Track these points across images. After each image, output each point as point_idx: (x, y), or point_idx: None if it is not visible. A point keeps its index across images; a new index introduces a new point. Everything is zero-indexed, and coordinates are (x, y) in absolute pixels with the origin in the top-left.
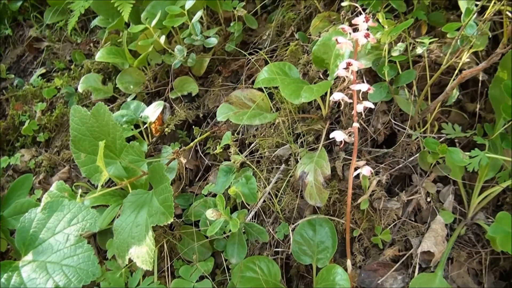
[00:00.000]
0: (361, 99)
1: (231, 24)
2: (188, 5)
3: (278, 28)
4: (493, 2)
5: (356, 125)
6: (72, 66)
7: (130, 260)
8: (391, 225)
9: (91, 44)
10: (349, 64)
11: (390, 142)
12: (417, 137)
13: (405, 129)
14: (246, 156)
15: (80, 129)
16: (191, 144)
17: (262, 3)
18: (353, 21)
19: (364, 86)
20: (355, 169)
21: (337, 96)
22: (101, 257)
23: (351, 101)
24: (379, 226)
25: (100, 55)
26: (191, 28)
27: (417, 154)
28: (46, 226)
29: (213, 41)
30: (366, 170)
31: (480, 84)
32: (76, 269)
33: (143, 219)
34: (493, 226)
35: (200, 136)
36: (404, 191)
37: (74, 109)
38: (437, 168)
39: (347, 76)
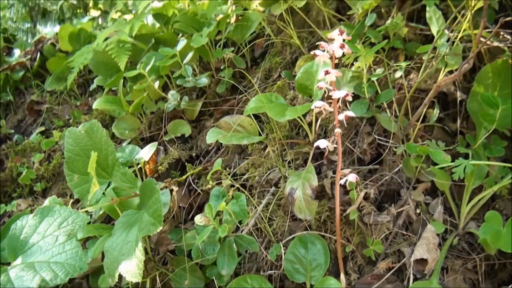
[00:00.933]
0: (341, 109)
1: (222, 68)
2: (180, 46)
3: (266, 73)
4: (463, 28)
5: (338, 130)
6: (71, 121)
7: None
8: (383, 238)
9: (90, 105)
10: (326, 72)
11: (376, 162)
12: (402, 152)
13: (389, 148)
14: (238, 183)
15: (74, 149)
16: (184, 177)
17: (251, 55)
18: (329, 35)
19: (342, 92)
20: (341, 178)
21: (319, 104)
22: None
23: (332, 109)
24: (371, 239)
25: (97, 104)
26: (183, 70)
27: (401, 165)
28: (37, 231)
29: (204, 81)
30: (352, 177)
31: (459, 104)
32: (63, 264)
33: (133, 235)
34: (483, 226)
35: (192, 171)
36: (393, 205)
37: (69, 131)
38: (423, 174)
39: (327, 88)
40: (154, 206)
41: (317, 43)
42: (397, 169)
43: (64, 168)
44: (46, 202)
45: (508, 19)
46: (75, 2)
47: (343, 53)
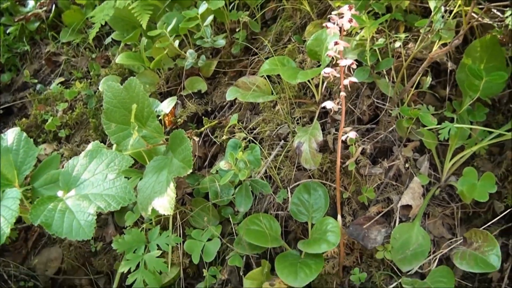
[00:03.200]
0: (346, 75)
1: (237, 30)
2: (202, 9)
3: (277, 36)
4: (458, 4)
5: (343, 94)
6: (91, 73)
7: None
8: (375, 187)
9: (106, 58)
10: (336, 43)
11: (374, 122)
12: (396, 114)
13: (386, 110)
14: (250, 136)
15: (112, 102)
16: (201, 129)
17: (262, 18)
18: (339, 10)
19: (348, 61)
20: (343, 134)
21: (328, 70)
22: (118, 233)
23: (338, 75)
24: (365, 187)
25: (120, 58)
26: (203, 31)
27: (395, 125)
28: (87, 169)
29: (222, 42)
30: (352, 134)
31: (449, 73)
32: (115, 196)
33: (164, 176)
34: (461, 180)
35: (209, 124)
36: (386, 160)
37: (108, 85)
38: (413, 134)
39: (335, 56)
40: (184, 153)
41: (328, 16)
42: (391, 129)
43: (102, 117)
44: (90, 146)
45: None
46: None
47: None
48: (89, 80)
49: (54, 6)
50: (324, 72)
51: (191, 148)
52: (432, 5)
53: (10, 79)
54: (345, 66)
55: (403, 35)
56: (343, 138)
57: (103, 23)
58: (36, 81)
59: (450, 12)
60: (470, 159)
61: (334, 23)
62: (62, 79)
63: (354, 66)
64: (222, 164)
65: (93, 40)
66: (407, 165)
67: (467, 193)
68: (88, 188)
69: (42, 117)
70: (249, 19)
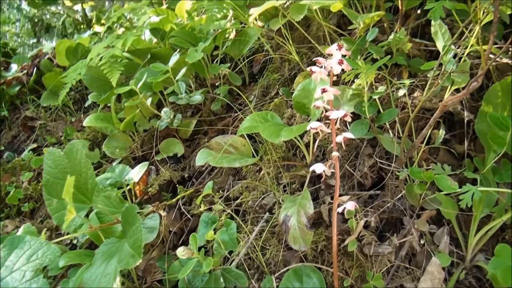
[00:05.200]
0: (340, 130)
1: (217, 84)
2: (172, 61)
3: (263, 89)
4: (470, 44)
5: (335, 154)
6: (63, 138)
7: None
8: (384, 271)
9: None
10: (323, 90)
11: (378, 186)
12: (405, 177)
13: (391, 171)
14: (230, 209)
15: (53, 172)
16: (173, 200)
17: (250, 72)
18: (326, 51)
19: (340, 112)
20: (339, 205)
21: (315, 125)
22: None
23: (329, 130)
24: (371, 272)
25: (88, 121)
26: (176, 86)
27: (399, 195)
28: (5, 265)
29: (197, 98)
30: (350, 205)
31: (466, 124)
32: None
33: (112, 267)
34: (492, 261)
35: (183, 193)
36: (395, 235)
37: (48, 151)
38: (427, 202)
39: (324, 108)
40: (134, 236)
41: (314, 59)
42: (400, 195)
43: (43, 191)
44: (21, 230)
45: None
46: (79, 18)
47: (342, 69)
48: (61, 146)
49: (35, 69)
50: (311, 127)
51: (141, 230)
52: (440, 45)
53: None
54: (337, 119)
55: (407, 81)
56: (340, 209)
57: (74, 83)
58: (2, 148)
59: (461, 54)
60: (500, 231)
61: (321, 67)
62: (35, 145)
63: (349, 119)
64: (180, 251)
65: (74, 104)
66: (422, 241)
67: (501, 279)
68: None
69: (6, 188)
70: (229, 71)
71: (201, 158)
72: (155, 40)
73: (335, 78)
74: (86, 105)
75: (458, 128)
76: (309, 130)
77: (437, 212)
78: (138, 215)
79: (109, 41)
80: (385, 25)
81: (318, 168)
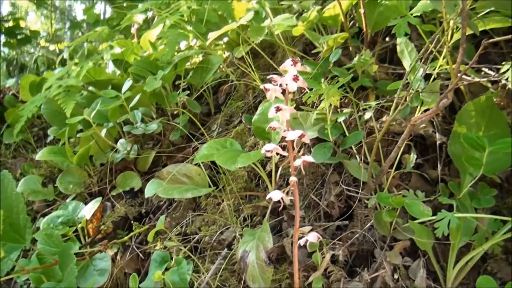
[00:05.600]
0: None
1: (175, 113)
2: (125, 88)
3: (227, 118)
4: (439, 64)
5: (293, 179)
6: (17, 175)
7: None
8: None
9: None
10: (278, 109)
11: (346, 216)
12: (374, 205)
13: (360, 199)
14: (187, 245)
15: None
16: (126, 237)
17: (215, 102)
18: (281, 68)
19: (297, 132)
20: (300, 237)
21: (269, 147)
22: None
23: (286, 153)
24: None
25: (41, 154)
26: (131, 115)
27: (368, 224)
28: None
29: (153, 127)
30: (312, 237)
31: (438, 148)
32: None
33: None
34: None
35: (138, 230)
36: (366, 269)
37: None
38: (399, 231)
39: (280, 128)
40: (68, 279)
41: (268, 77)
42: (369, 225)
43: None
44: None
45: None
46: (54, 58)
47: (303, 90)
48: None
49: None
50: (265, 150)
51: (75, 272)
52: (406, 64)
53: None
54: (294, 141)
55: (374, 103)
56: (301, 242)
57: (30, 116)
58: None
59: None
60: (481, 262)
61: (275, 84)
62: None
63: (307, 140)
64: None
65: (36, 140)
66: (396, 276)
67: None
68: None
69: None
70: (187, 98)
71: (150, 190)
72: (118, 72)
73: (291, 96)
74: (47, 141)
75: (431, 152)
76: (272, 157)
77: (411, 243)
78: (73, 255)
79: (65, 70)
80: (350, 48)
81: (275, 195)
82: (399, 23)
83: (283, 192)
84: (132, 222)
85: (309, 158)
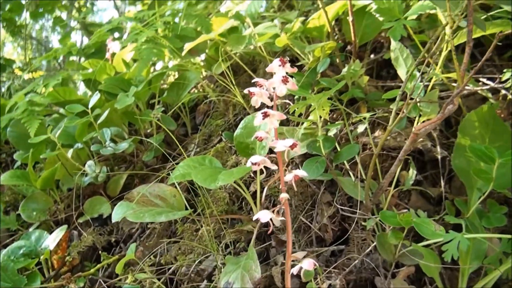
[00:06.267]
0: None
1: (148, 131)
2: (92, 102)
3: (205, 137)
4: (438, 67)
5: (284, 196)
6: None
7: None
8: None
9: None
10: (265, 115)
11: (341, 240)
12: (373, 226)
13: (357, 222)
14: (162, 277)
15: None
16: (92, 270)
17: (192, 124)
18: (267, 69)
19: (288, 142)
20: (293, 265)
21: (256, 159)
22: None
23: (274, 167)
24: None
25: (2, 178)
26: (99, 133)
27: (374, 243)
28: None
29: (124, 146)
30: (308, 264)
31: (440, 164)
32: None
33: None
34: None
35: (107, 261)
36: None
37: None
38: (405, 255)
39: (267, 138)
40: None
41: (253, 81)
42: (368, 249)
43: None
44: None
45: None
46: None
47: (287, 104)
48: None
49: None
50: (252, 162)
51: None
52: (402, 72)
53: None
54: (284, 152)
55: (367, 115)
56: (295, 270)
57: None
58: None
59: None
60: None
61: (261, 88)
62: None
63: (298, 150)
64: None
65: (3, 167)
66: None
67: None
68: None
69: None
70: (162, 114)
71: (118, 213)
72: (90, 93)
73: (279, 102)
74: (15, 167)
75: (430, 168)
76: (257, 175)
77: (416, 269)
78: None
79: (32, 86)
80: (337, 60)
81: (264, 216)
82: (394, 26)
83: (273, 212)
84: (100, 252)
85: (301, 172)
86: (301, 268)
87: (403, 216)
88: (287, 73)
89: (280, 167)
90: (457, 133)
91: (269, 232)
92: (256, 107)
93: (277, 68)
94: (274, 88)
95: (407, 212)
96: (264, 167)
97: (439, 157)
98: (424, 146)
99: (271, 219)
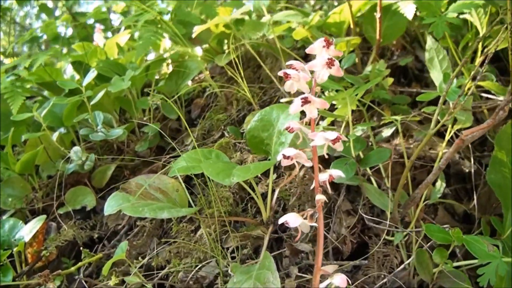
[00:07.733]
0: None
1: (144, 119)
2: (87, 81)
3: (204, 132)
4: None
5: (320, 197)
6: None
7: None
8: None
9: None
10: (305, 101)
11: (360, 254)
12: (402, 241)
13: (378, 235)
14: (152, 282)
15: None
16: (73, 268)
17: (188, 117)
18: (307, 50)
19: (331, 134)
20: (322, 279)
21: (289, 152)
22: None
23: (309, 164)
24: None
25: None
26: (91, 116)
27: (401, 266)
28: None
29: (117, 132)
30: (339, 280)
31: (473, 177)
32: None
33: None
34: None
35: (88, 259)
36: None
37: None
38: (447, 277)
39: (299, 130)
40: None
41: (287, 63)
42: (400, 268)
43: None
44: None
45: None
46: None
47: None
48: None
49: None
50: (284, 155)
51: None
52: (436, 75)
53: None
54: (323, 146)
55: (398, 117)
56: (323, 286)
57: None
58: None
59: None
60: None
61: (298, 67)
62: None
63: (340, 148)
64: None
65: None
66: None
67: None
68: None
69: None
70: (162, 101)
71: (112, 205)
72: (77, 77)
73: (318, 89)
74: None
75: (454, 182)
76: (269, 176)
77: None
78: None
79: (18, 61)
80: (356, 59)
81: (293, 220)
82: (436, 21)
83: (302, 216)
84: (81, 248)
85: (337, 173)
86: (330, 284)
87: (454, 232)
88: None
89: (315, 164)
90: (494, 146)
91: (296, 239)
92: (292, 92)
93: (320, 49)
94: (314, 72)
95: (456, 228)
96: (274, 166)
97: (472, 170)
98: (452, 158)
99: (299, 225)
